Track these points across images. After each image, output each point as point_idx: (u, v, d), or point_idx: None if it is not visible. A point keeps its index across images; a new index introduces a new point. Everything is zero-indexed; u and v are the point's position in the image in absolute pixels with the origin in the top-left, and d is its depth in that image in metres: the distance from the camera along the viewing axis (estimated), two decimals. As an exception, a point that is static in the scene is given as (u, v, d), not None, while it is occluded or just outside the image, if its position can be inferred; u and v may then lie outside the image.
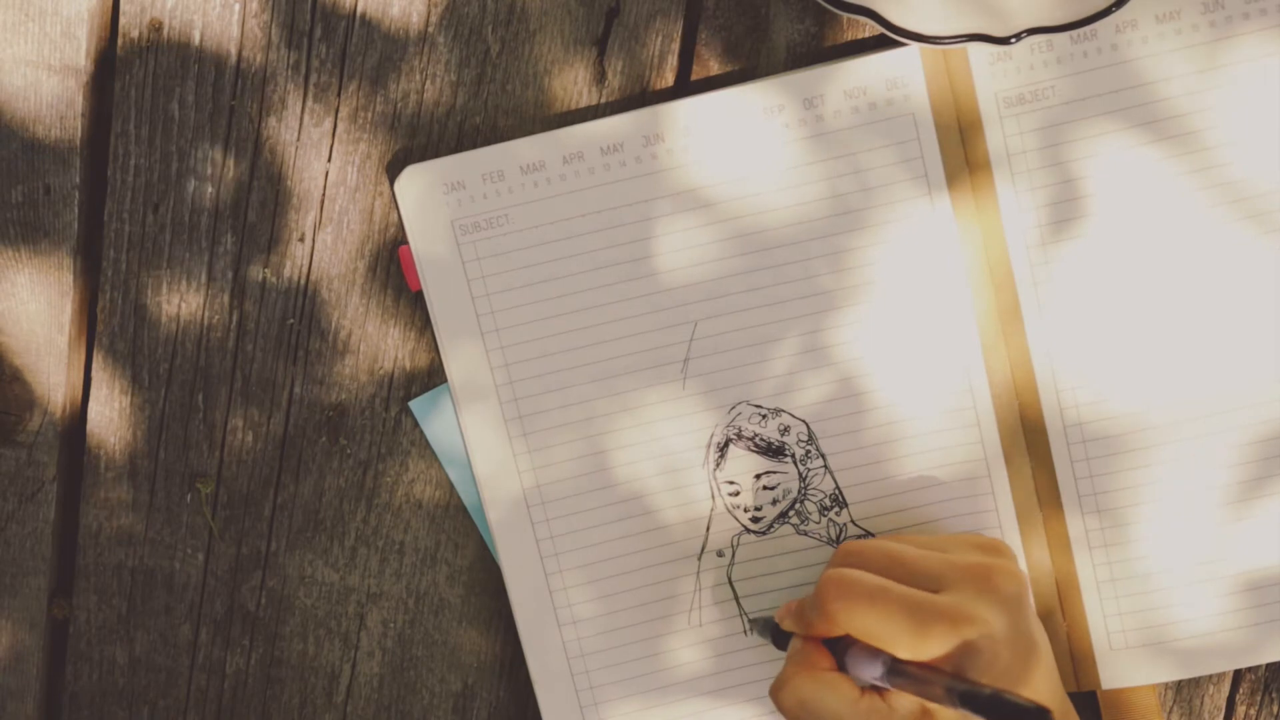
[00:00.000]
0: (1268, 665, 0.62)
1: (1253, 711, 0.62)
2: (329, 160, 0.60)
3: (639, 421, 0.60)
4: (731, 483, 0.60)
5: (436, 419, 0.61)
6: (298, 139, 0.60)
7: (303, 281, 0.61)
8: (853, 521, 0.60)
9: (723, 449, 0.60)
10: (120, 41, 0.60)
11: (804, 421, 0.60)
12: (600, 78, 0.60)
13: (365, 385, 0.61)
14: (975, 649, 0.51)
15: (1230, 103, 0.58)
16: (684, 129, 0.58)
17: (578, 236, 0.59)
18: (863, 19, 0.56)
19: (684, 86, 0.60)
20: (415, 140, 0.60)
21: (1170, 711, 0.62)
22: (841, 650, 0.54)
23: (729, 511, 0.60)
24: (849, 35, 0.59)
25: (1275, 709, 0.62)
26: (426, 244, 0.59)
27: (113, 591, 0.63)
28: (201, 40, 0.59)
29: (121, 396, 0.62)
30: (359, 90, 0.60)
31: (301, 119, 0.60)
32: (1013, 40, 0.55)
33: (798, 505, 0.60)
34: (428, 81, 0.60)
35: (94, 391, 0.62)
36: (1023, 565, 0.60)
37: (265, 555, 0.62)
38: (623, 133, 0.58)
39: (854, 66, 0.58)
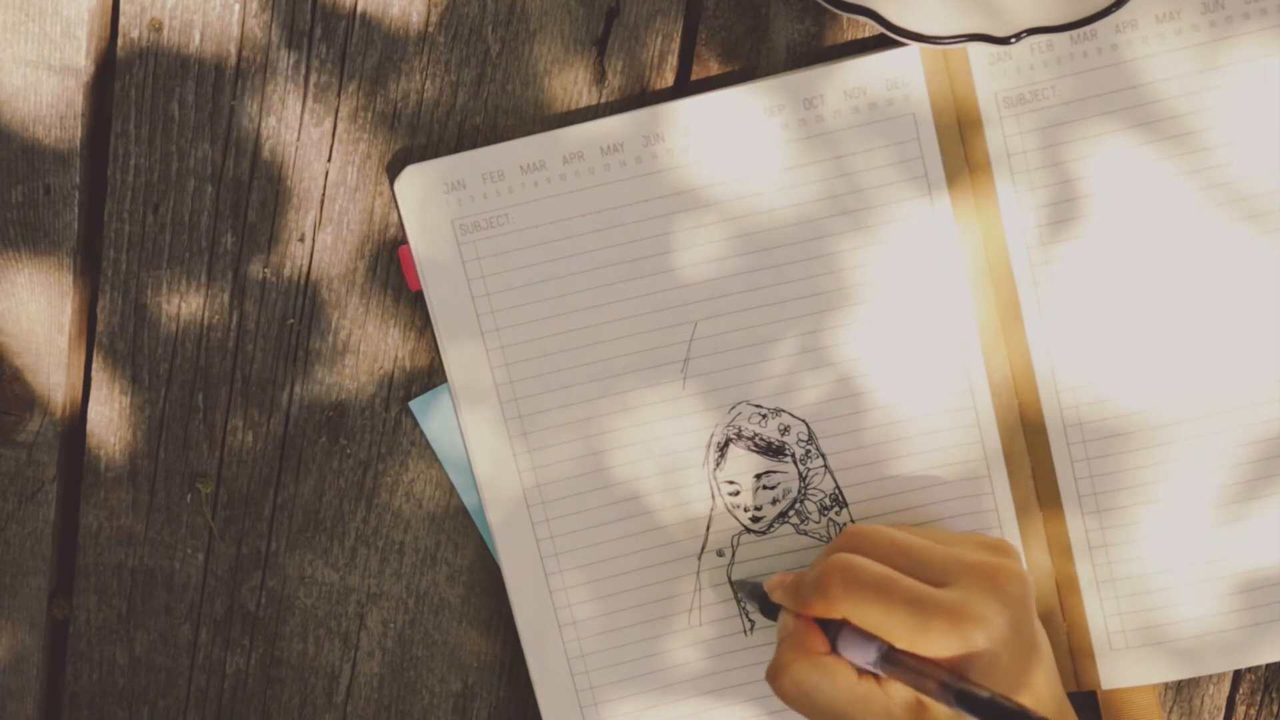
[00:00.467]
0: (1268, 665, 0.62)
1: (1253, 711, 0.62)
2: (329, 160, 0.60)
3: (639, 421, 0.60)
4: (731, 482, 0.60)
5: (436, 419, 0.61)
6: (298, 139, 0.60)
7: (303, 281, 0.61)
8: (852, 521, 0.60)
9: (723, 449, 0.60)
10: (120, 41, 0.60)
11: (804, 421, 0.60)
12: (600, 78, 0.60)
13: (365, 385, 0.61)
14: (976, 648, 0.50)
15: (1230, 103, 0.58)
16: (684, 129, 0.58)
17: (578, 236, 0.59)
18: (863, 19, 0.56)
19: (684, 86, 0.60)
20: (415, 140, 0.60)
21: (1170, 711, 0.62)
22: (834, 630, 0.53)
23: (729, 511, 0.60)
24: (849, 35, 0.59)
25: (1275, 709, 0.62)
26: (426, 244, 0.59)
27: (113, 591, 0.63)
28: (201, 40, 0.59)
29: (121, 396, 0.62)
30: (359, 90, 0.60)
31: (301, 119, 0.60)
32: (1013, 40, 0.55)
33: (798, 505, 0.60)
34: (428, 81, 0.60)
35: (94, 391, 0.62)
36: (1023, 565, 0.60)
37: (265, 555, 0.62)
38: (623, 133, 0.58)
39: (854, 66, 0.58)
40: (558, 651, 0.61)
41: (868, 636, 0.52)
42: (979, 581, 0.52)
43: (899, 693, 0.52)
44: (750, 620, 0.61)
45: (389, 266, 0.61)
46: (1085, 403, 0.59)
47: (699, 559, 0.61)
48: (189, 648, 0.63)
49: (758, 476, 0.60)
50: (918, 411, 0.60)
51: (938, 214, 0.59)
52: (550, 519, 0.60)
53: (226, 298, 0.61)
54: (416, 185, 0.59)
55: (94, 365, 0.62)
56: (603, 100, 0.60)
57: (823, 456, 0.60)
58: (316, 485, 0.62)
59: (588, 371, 0.60)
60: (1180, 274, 0.59)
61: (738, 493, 0.60)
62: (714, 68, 0.60)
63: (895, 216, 0.59)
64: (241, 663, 0.63)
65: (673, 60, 0.60)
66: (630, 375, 0.60)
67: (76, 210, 0.61)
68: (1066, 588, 0.60)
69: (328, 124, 0.60)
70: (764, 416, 0.60)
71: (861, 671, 0.53)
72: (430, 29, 0.59)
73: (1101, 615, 0.60)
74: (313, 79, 0.60)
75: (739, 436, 0.60)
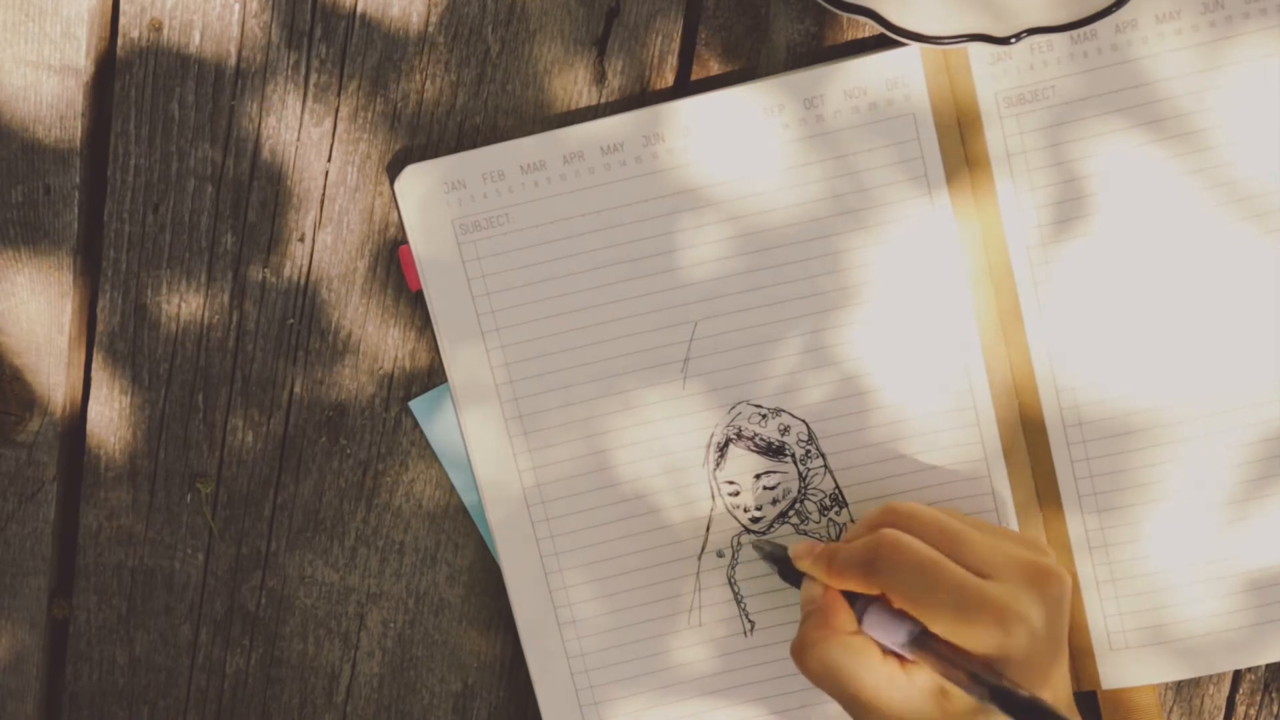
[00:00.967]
0: (1268, 665, 0.62)
1: (1253, 711, 0.62)
2: (329, 160, 0.60)
3: (639, 421, 0.60)
4: (731, 483, 0.60)
5: (437, 419, 0.61)
6: (298, 139, 0.60)
7: (303, 281, 0.61)
8: (852, 521, 0.60)
9: (723, 449, 0.60)
10: (120, 41, 0.60)
11: (804, 421, 0.60)
12: (600, 78, 0.60)
13: (365, 385, 0.61)
14: (1015, 644, 0.50)
15: (1230, 103, 0.58)
16: (684, 129, 0.58)
17: (578, 236, 0.59)
18: (863, 19, 0.56)
19: (684, 86, 0.60)
20: (415, 140, 0.60)
21: (1170, 711, 0.62)
22: (862, 607, 0.53)
23: (729, 511, 0.60)
24: (849, 35, 0.59)
25: (1275, 709, 0.62)
26: (426, 244, 0.59)
27: (113, 591, 0.63)
28: (201, 40, 0.59)
29: (121, 396, 0.62)
30: (359, 90, 0.60)
31: (301, 119, 0.60)
32: (1013, 40, 0.55)
33: (798, 505, 0.60)
34: (428, 81, 0.60)
35: (94, 391, 0.62)
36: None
37: (265, 555, 0.62)
38: (623, 132, 0.58)
39: (854, 66, 0.58)
40: (558, 651, 0.61)
41: (899, 617, 0.52)
42: (1023, 578, 0.52)
43: (923, 677, 0.52)
44: (750, 621, 0.61)
45: (389, 266, 0.61)
46: (1085, 402, 0.59)
47: (699, 559, 0.61)
48: (189, 648, 0.63)
49: (758, 476, 0.60)
50: (918, 411, 0.60)
51: (938, 214, 0.59)
52: (550, 519, 0.60)
53: (226, 298, 0.61)
54: (416, 185, 0.59)
55: (94, 365, 0.62)
56: (603, 100, 0.60)
57: (823, 456, 0.60)
58: (316, 485, 0.62)
59: (588, 371, 0.60)
60: (1181, 274, 0.59)
61: (738, 493, 0.60)
62: (714, 68, 0.60)
63: (895, 216, 0.59)
64: (241, 663, 0.63)
65: (673, 60, 0.60)
66: (630, 375, 0.60)
67: (76, 210, 0.61)
68: (1066, 588, 0.60)
69: (328, 124, 0.60)
70: (764, 416, 0.60)
71: (886, 651, 0.52)
72: (430, 29, 0.59)
73: (1102, 615, 0.60)
74: (313, 79, 0.60)
75: (739, 437, 0.60)
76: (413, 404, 0.61)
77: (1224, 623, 0.60)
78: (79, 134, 0.60)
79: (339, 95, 0.60)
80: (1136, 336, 0.59)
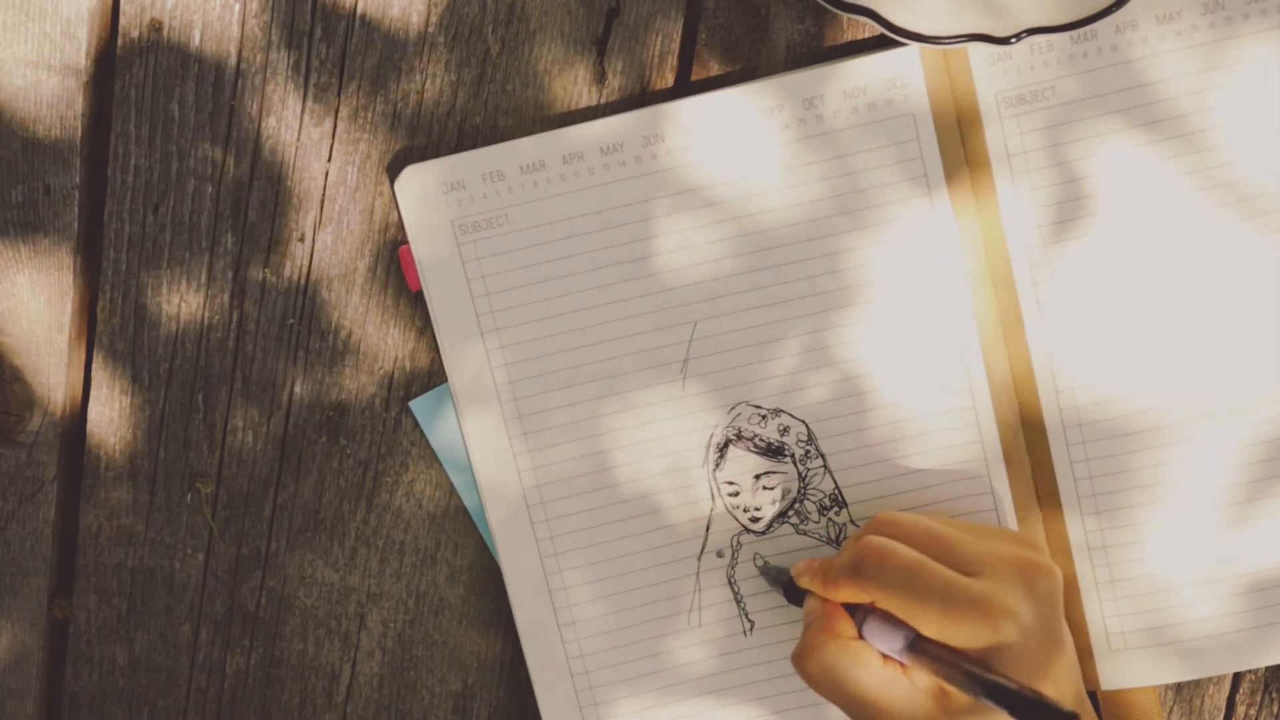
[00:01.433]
0: (1268, 665, 0.62)
1: (1253, 711, 0.62)
2: (329, 160, 0.60)
3: (639, 422, 0.60)
4: (731, 483, 0.60)
5: (437, 419, 0.61)
6: (298, 139, 0.60)
7: (303, 281, 0.61)
8: (852, 521, 0.60)
9: (722, 449, 0.60)
10: (120, 41, 0.60)
11: (803, 422, 0.60)
12: (600, 78, 0.60)
13: (365, 385, 0.61)
14: (1003, 640, 0.51)
15: (1231, 103, 0.58)
16: (684, 129, 0.58)
17: (578, 236, 0.59)
18: (863, 19, 0.56)
19: (684, 86, 0.60)
20: (415, 140, 0.60)
21: (1170, 711, 0.62)
22: (861, 617, 0.54)
23: (729, 512, 0.60)
24: (849, 35, 0.59)
25: (1275, 709, 0.62)
26: (426, 244, 0.59)
27: (113, 591, 0.63)
28: (201, 40, 0.59)
29: (121, 396, 0.62)
30: (359, 90, 0.60)
31: (301, 119, 0.60)
32: (1013, 40, 0.55)
33: (797, 505, 0.60)
34: (428, 81, 0.60)
35: (94, 391, 0.62)
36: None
37: (265, 555, 0.62)
38: (623, 133, 0.58)
39: (854, 66, 0.58)
40: (558, 651, 0.61)
41: (895, 624, 0.52)
42: (1010, 574, 0.52)
43: (922, 679, 0.52)
44: (750, 620, 0.61)
45: (389, 266, 0.61)
46: (1085, 403, 0.59)
47: (699, 559, 0.61)
48: (189, 648, 0.63)
49: (757, 477, 0.60)
50: (917, 411, 0.60)
51: (938, 214, 0.59)
52: (550, 519, 0.60)
53: (226, 298, 0.61)
54: (416, 185, 0.59)
55: (94, 365, 0.62)
56: (603, 100, 0.60)
57: (822, 457, 0.60)
58: (316, 485, 0.62)
59: (588, 371, 0.60)
60: (1181, 274, 0.59)
61: (737, 493, 0.60)
62: (714, 68, 0.60)
63: (895, 216, 0.59)
64: (241, 663, 0.63)
65: (673, 60, 0.60)
66: (630, 375, 0.60)
67: (76, 210, 0.61)
68: (1067, 588, 0.60)
69: (328, 124, 0.60)
70: (763, 417, 0.60)
71: (886, 658, 0.53)
72: (430, 29, 0.59)
73: (1101, 616, 0.60)
74: (313, 79, 0.60)
75: (739, 437, 0.60)
76: (413, 404, 0.61)
77: (1224, 624, 0.60)
78: (79, 134, 0.60)
79: (339, 95, 0.60)
80: (1136, 337, 0.59)
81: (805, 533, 0.61)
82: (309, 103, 0.60)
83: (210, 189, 0.60)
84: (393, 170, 0.60)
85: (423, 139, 0.60)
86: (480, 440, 0.60)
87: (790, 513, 0.60)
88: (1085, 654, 0.61)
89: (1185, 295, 0.59)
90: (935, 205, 0.59)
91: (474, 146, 0.60)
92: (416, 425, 0.61)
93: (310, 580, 0.63)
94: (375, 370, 0.61)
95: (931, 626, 0.51)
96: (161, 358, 0.61)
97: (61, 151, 0.60)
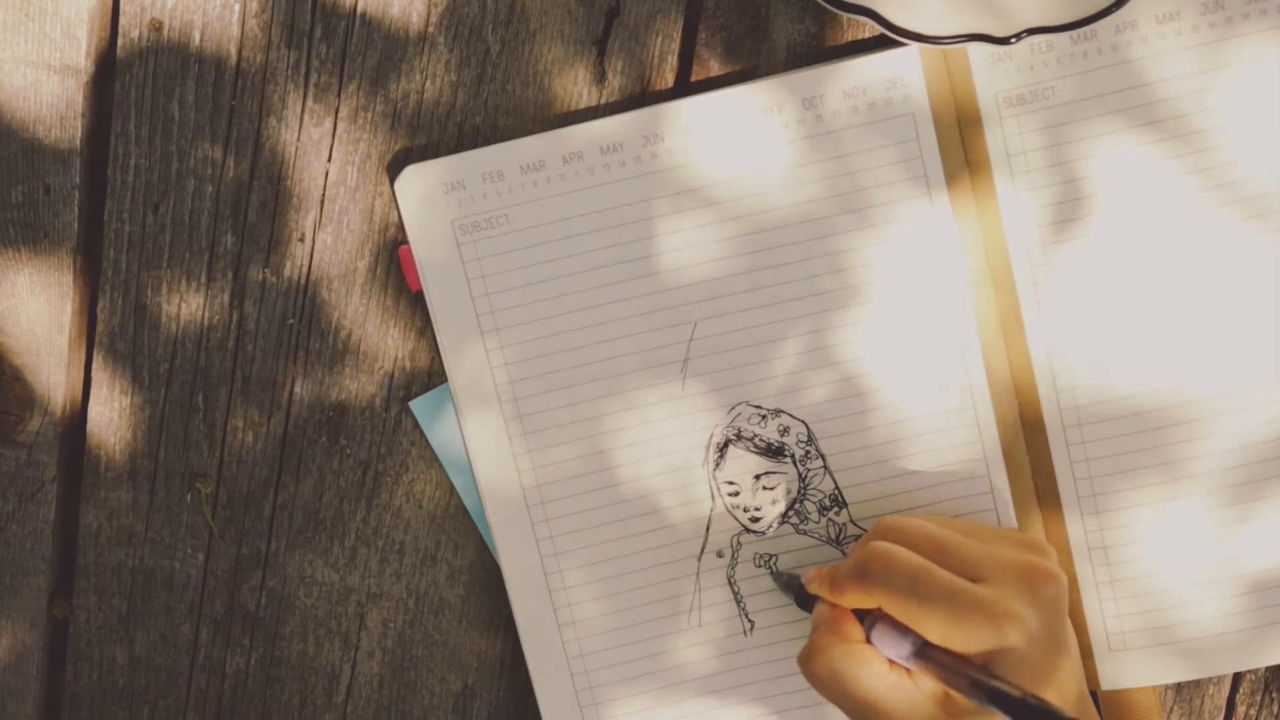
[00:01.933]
0: (1268, 665, 0.62)
1: (1253, 711, 0.62)
2: (329, 160, 0.60)
3: (639, 422, 0.60)
4: (731, 483, 0.60)
5: (437, 419, 0.61)
6: (298, 139, 0.60)
7: (303, 281, 0.61)
8: (852, 521, 0.60)
9: (722, 449, 0.60)
10: (120, 41, 0.60)
11: (803, 422, 0.60)
12: (600, 78, 0.60)
13: (365, 385, 0.61)
14: (1008, 645, 0.50)
15: (1231, 103, 0.58)
16: (684, 129, 0.58)
17: (578, 236, 0.59)
18: (863, 19, 0.56)
19: (684, 86, 0.60)
20: (415, 140, 0.60)
21: (1170, 711, 0.62)
22: (870, 623, 0.54)
23: (729, 512, 0.60)
24: (849, 35, 0.59)
25: (1275, 709, 0.62)
26: (426, 244, 0.59)
27: (113, 591, 0.63)
28: (201, 40, 0.59)
29: (121, 396, 0.62)
30: (359, 90, 0.60)
31: (301, 119, 0.60)
32: (1013, 40, 0.55)
33: (797, 505, 0.60)
34: (428, 81, 0.60)
35: (94, 391, 0.62)
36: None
37: (265, 555, 0.62)
38: (623, 133, 0.58)
39: (854, 66, 0.58)
40: (558, 651, 0.61)
41: (902, 631, 0.52)
42: (1014, 579, 0.52)
43: (927, 683, 0.52)
44: (750, 621, 0.61)
45: (389, 266, 0.61)
46: (1085, 403, 0.59)
47: (699, 560, 0.61)
48: (189, 648, 0.63)
49: (757, 477, 0.60)
50: (917, 411, 0.60)
51: (937, 214, 0.59)
52: (550, 519, 0.60)
53: (226, 298, 0.61)
54: (416, 185, 0.59)
55: (94, 365, 0.62)
56: (603, 100, 0.60)
57: (822, 457, 0.60)
58: (316, 485, 0.62)
59: (588, 371, 0.60)
60: (1181, 274, 0.59)
61: (737, 493, 0.60)
62: (714, 68, 0.60)
63: (895, 216, 0.59)
64: (241, 663, 0.63)
65: (673, 60, 0.60)
66: (630, 375, 0.60)
67: (76, 210, 0.61)
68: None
69: (328, 124, 0.60)
70: (763, 417, 0.60)
71: (893, 663, 0.53)
72: (430, 29, 0.59)
73: (1101, 616, 0.60)
74: (313, 79, 0.60)
75: (739, 437, 0.60)
76: (413, 404, 0.61)
77: (1224, 624, 0.60)
78: (79, 134, 0.60)
79: (339, 95, 0.60)
80: (1137, 337, 0.59)
81: (805, 533, 0.61)
82: (309, 103, 0.60)
83: (210, 189, 0.60)
84: (393, 170, 0.60)
85: (423, 139, 0.60)
86: (480, 440, 0.60)
87: (790, 513, 0.60)
88: (1085, 653, 0.61)
89: (1185, 295, 0.59)
90: (935, 205, 0.59)
91: (474, 146, 0.60)
92: (416, 425, 0.61)
93: (310, 580, 0.63)
94: (375, 370, 0.61)
95: (936, 632, 0.51)
96: (161, 358, 0.61)
97: (61, 151, 0.60)
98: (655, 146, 0.58)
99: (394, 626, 0.63)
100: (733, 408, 0.60)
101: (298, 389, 0.61)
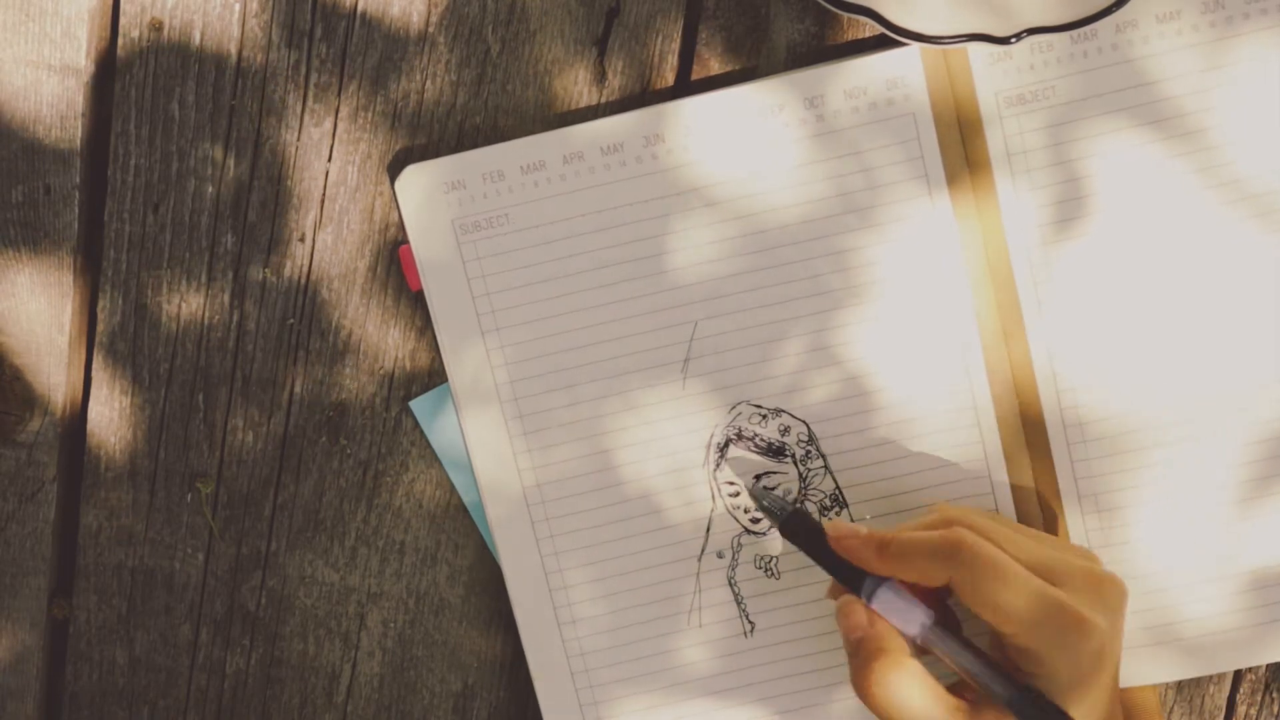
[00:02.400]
0: (1268, 664, 0.62)
1: (1253, 711, 0.62)
2: (329, 160, 0.60)
3: (639, 422, 0.60)
4: (732, 483, 0.60)
5: (437, 419, 0.61)
6: (298, 139, 0.60)
7: (303, 281, 0.61)
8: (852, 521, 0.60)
9: (723, 449, 0.60)
10: (120, 41, 0.60)
11: (804, 422, 0.60)
12: (600, 78, 0.60)
13: (365, 385, 0.61)
14: (1085, 651, 0.51)
15: (1231, 102, 0.58)
16: (684, 129, 0.58)
17: (578, 236, 0.59)
18: (863, 19, 0.56)
19: (684, 86, 0.60)
20: (415, 140, 0.60)
21: (1170, 711, 0.62)
22: (872, 587, 0.54)
23: (729, 512, 0.60)
24: (849, 35, 0.59)
25: (1276, 708, 0.62)
26: (427, 244, 0.59)
27: (113, 591, 0.63)
28: (201, 40, 0.59)
29: (121, 396, 0.62)
30: (359, 90, 0.60)
31: (301, 119, 0.60)
32: (1013, 40, 0.55)
33: (798, 506, 0.60)
34: (428, 81, 0.60)
35: (94, 391, 0.62)
36: None
37: (265, 555, 0.62)
38: (623, 132, 0.58)
39: (854, 66, 0.58)
40: (558, 651, 0.61)
41: (910, 603, 0.53)
42: (1089, 587, 0.53)
43: (990, 714, 0.52)
44: (750, 622, 0.61)
45: (389, 266, 0.61)
46: (1085, 403, 0.59)
47: (699, 560, 0.61)
48: (189, 648, 0.63)
49: (758, 477, 0.60)
50: (918, 411, 0.60)
51: (938, 214, 0.59)
52: (550, 519, 0.60)
53: (226, 298, 0.61)
54: (416, 185, 0.59)
55: (94, 365, 0.62)
56: (603, 100, 0.60)
57: (823, 457, 0.60)
58: (316, 485, 0.62)
59: (588, 371, 0.60)
60: (1181, 273, 0.59)
61: (738, 494, 0.60)
62: (714, 68, 0.60)
63: (895, 216, 0.59)
64: (241, 663, 0.63)
65: (673, 60, 0.60)
66: (630, 375, 0.60)
67: (76, 210, 0.61)
68: (1067, 588, 0.60)
69: (328, 124, 0.60)
70: (764, 417, 0.60)
71: (950, 688, 0.53)
72: (430, 29, 0.59)
73: (1102, 615, 0.60)
74: (313, 79, 0.60)
75: (739, 437, 0.60)
76: (413, 404, 0.61)
77: (1225, 622, 0.60)
78: (79, 134, 0.60)
79: (339, 95, 0.60)
80: (1137, 336, 0.59)
81: (806, 532, 0.60)
82: (309, 103, 0.60)
83: (210, 189, 0.60)
84: (393, 170, 0.60)
85: (423, 139, 0.60)
86: (480, 440, 0.60)
87: (791, 513, 0.60)
88: (1085, 654, 0.61)
89: (1186, 295, 0.59)
90: (936, 205, 0.59)
91: (474, 146, 0.60)
92: (416, 425, 0.61)
93: (310, 580, 0.63)
94: (375, 370, 0.61)
95: (1011, 626, 0.51)
96: (161, 358, 0.61)
97: (61, 151, 0.60)
98: (656, 146, 0.58)
99: (394, 626, 0.63)
100: (733, 407, 0.60)
101: (298, 389, 0.61)
